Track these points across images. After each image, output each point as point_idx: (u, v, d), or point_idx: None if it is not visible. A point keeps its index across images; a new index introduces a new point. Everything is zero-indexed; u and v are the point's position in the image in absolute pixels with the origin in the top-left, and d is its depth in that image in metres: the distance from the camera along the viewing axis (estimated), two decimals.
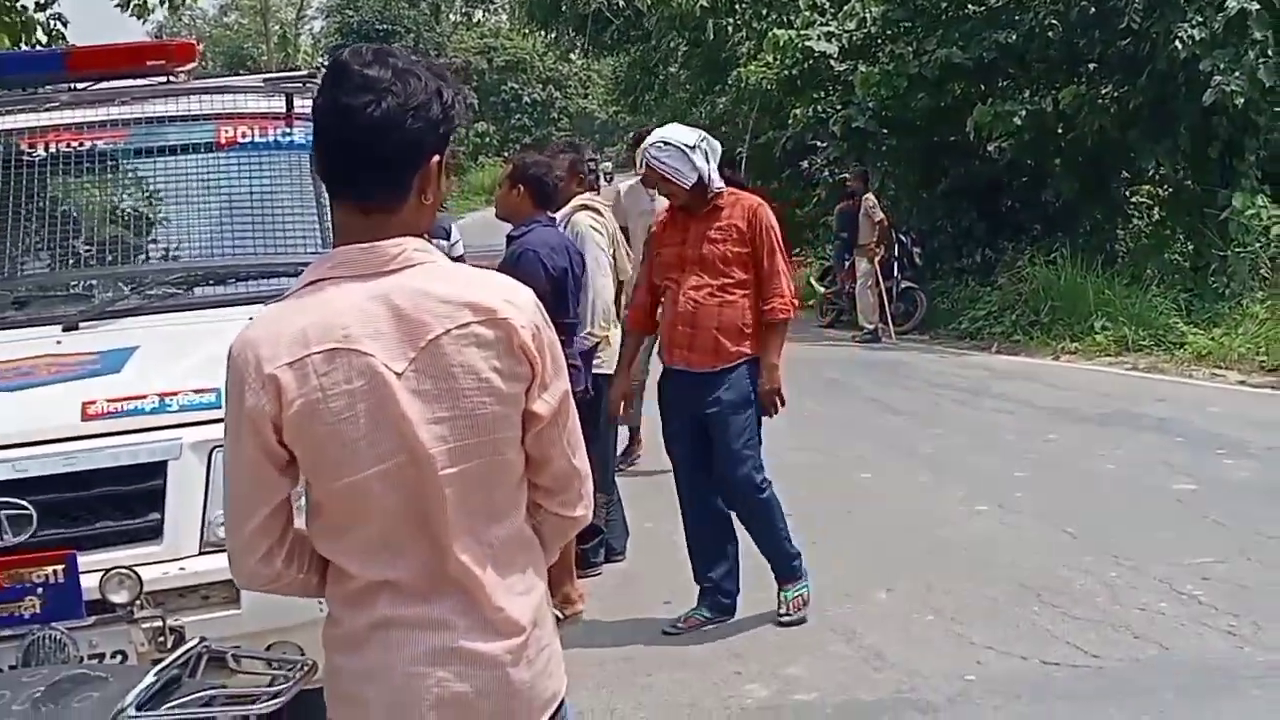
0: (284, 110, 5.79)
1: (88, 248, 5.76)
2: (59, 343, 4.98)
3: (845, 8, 19.95)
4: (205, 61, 60.78)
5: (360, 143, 2.42)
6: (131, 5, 12.49)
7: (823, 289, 19.38)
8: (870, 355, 15.79)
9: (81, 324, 5.17)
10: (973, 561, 7.21)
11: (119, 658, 4.30)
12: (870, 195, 17.80)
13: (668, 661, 6.13)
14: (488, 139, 59.92)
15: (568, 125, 70.96)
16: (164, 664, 2.60)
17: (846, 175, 19.72)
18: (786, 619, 6.46)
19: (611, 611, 6.89)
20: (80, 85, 5.98)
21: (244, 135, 5.83)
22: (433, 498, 2.44)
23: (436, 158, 2.50)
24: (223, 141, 5.79)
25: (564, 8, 31.12)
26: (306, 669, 2.68)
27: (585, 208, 7.27)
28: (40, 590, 4.15)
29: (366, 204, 2.46)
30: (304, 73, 6.40)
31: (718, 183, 6.32)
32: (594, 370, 7.10)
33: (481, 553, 2.50)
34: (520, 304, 2.54)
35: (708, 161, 6.26)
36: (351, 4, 59.06)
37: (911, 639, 6.16)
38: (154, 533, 4.34)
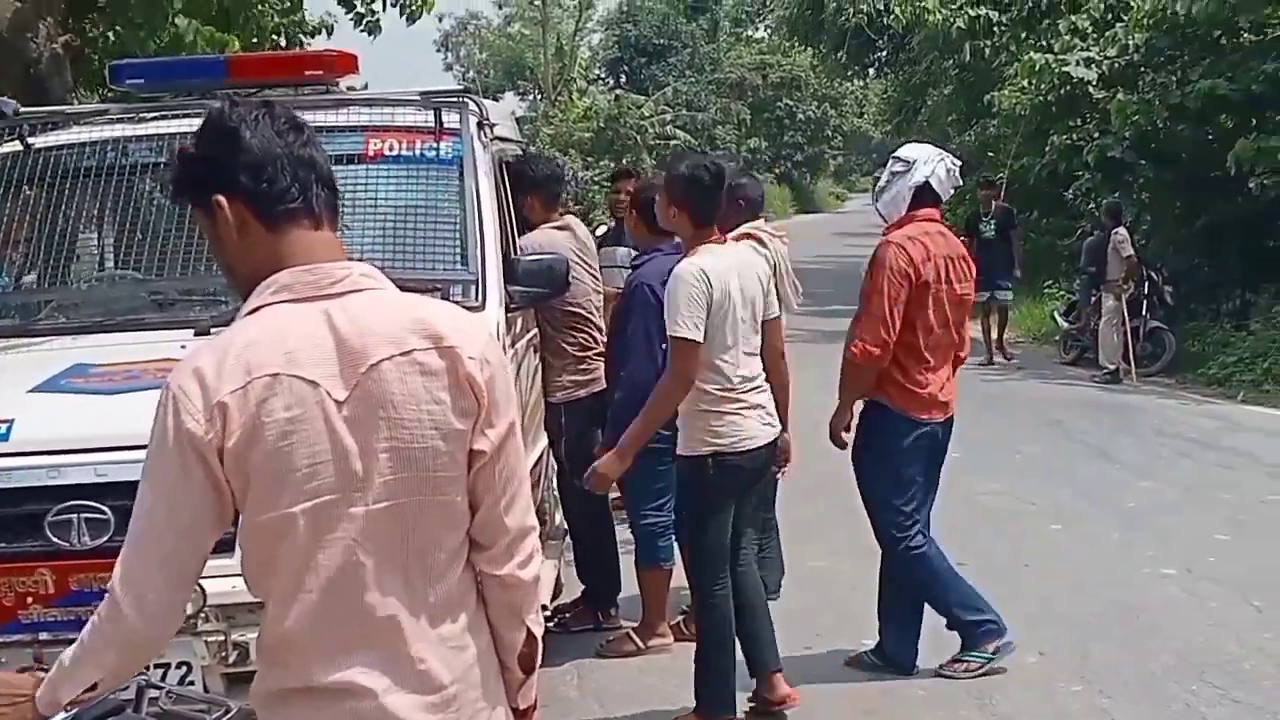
0: (433, 125, 5.78)
1: None
2: (183, 347, 5.04)
3: (1108, 34, 19.14)
4: (486, 70, 62.67)
5: (314, 159, 2.41)
6: (365, 22, 12.82)
7: (1066, 324, 18.63)
8: (1104, 397, 15.06)
9: (212, 329, 5.24)
10: (1141, 629, 6.75)
11: (183, 669, 4.33)
12: (1121, 229, 16.98)
13: (797, 711, 5.89)
14: (759, 155, 59.82)
15: (840, 144, 70.42)
16: (91, 701, 2.52)
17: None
18: (941, 671, 6.22)
19: None
20: (241, 93, 6.10)
21: (391, 148, 5.84)
22: (360, 540, 2.34)
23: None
24: (371, 154, 5.79)
25: (825, 24, 30.76)
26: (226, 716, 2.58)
27: (748, 236, 7.02)
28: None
29: (317, 217, 2.41)
30: (457, 89, 6.42)
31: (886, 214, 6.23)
32: None
33: (411, 601, 2.39)
34: (469, 333, 2.44)
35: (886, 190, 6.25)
36: (630, 18, 59.60)
37: (1050, 711, 5.81)
38: (226, 545, 4.34)
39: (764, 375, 5.66)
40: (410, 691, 2.38)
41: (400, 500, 2.36)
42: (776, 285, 6.98)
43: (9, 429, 4.42)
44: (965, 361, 6.44)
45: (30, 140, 5.84)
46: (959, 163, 6.36)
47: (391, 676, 2.37)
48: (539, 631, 2.60)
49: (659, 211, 5.96)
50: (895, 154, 6.28)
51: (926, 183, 6.08)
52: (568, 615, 7.00)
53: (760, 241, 6.98)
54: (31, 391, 4.65)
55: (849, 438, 6.29)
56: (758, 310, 5.64)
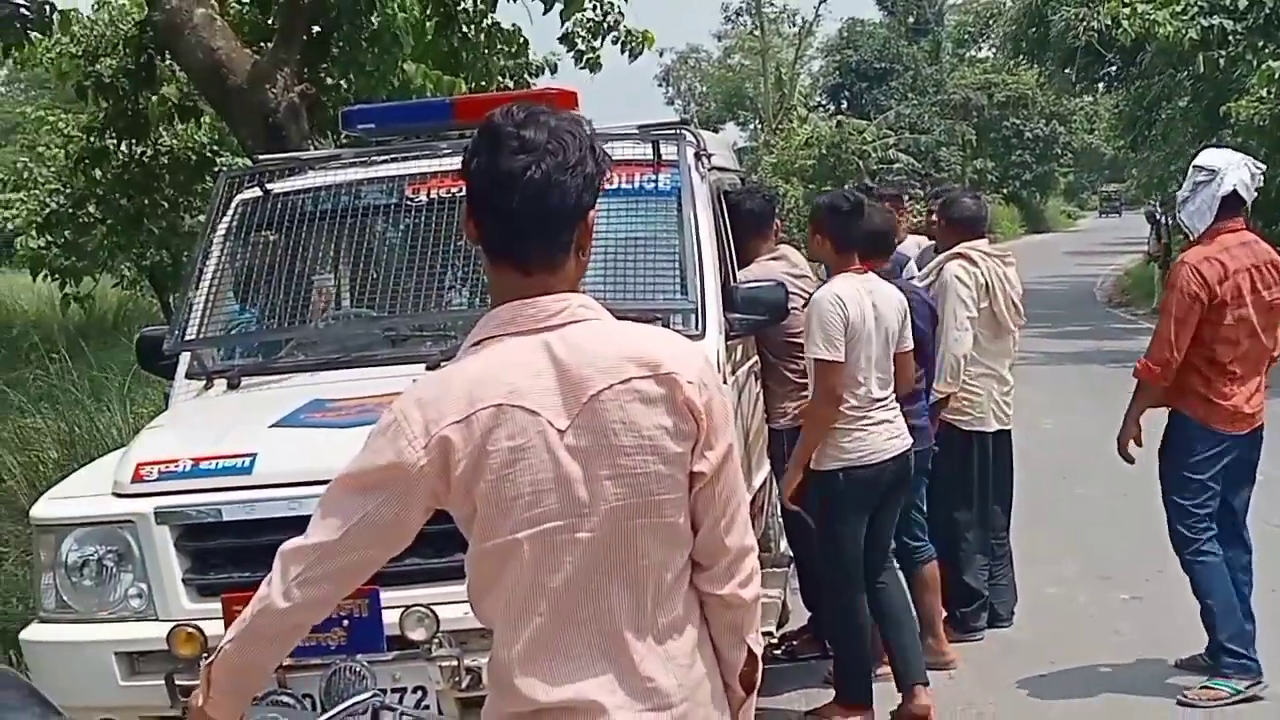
0: (651, 157, 5.85)
1: (455, 289, 6.04)
2: (414, 381, 5.20)
3: None
4: (706, 101, 63.22)
5: (521, 206, 2.39)
6: (585, 60, 13.03)
7: None
8: None
9: (443, 364, 5.38)
10: None
11: (419, 693, 4.46)
12: None
13: None
14: (987, 175, 58.98)
15: (1071, 162, 68.90)
16: (329, 715, 2.63)
17: None
18: (1185, 698, 6.07)
19: (984, 680, 6.59)
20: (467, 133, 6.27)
21: (611, 181, 5.92)
22: (587, 563, 2.40)
23: (591, 214, 2.47)
24: None
25: (1051, 41, 30.13)
26: None
27: (959, 256, 6.96)
28: (345, 622, 4.35)
29: (527, 265, 2.44)
30: (675, 120, 6.49)
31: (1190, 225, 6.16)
32: (966, 428, 6.84)
33: (639, 621, 2.44)
34: (685, 358, 2.48)
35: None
36: (850, 44, 59.51)
37: None
38: (459, 572, 4.45)
39: (894, 394, 5.96)
40: (641, 708, 2.42)
41: (625, 523, 2.40)
42: (991, 304, 6.94)
43: (252, 462, 4.63)
44: (1278, 361, 6.37)
45: (269, 186, 6.11)
46: (1262, 166, 6.28)
47: (622, 693, 2.41)
48: (760, 651, 2.62)
49: (809, 241, 6.25)
50: (1196, 163, 6.16)
51: (1234, 190, 5.97)
52: (794, 643, 6.97)
53: (971, 260, 6.93)
54: (273, 426, 4.86)
55: (1138, 452, 6.30)
56: (891, 337, 5.90)
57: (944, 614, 6.93)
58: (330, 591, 2.50)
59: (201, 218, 16.53)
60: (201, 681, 2.56)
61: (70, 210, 15.24)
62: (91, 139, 13.70)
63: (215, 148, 15.41)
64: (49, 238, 16.31)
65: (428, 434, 2.37)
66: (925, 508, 6.80)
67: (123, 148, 13.43)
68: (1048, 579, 7.93)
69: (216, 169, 14.36)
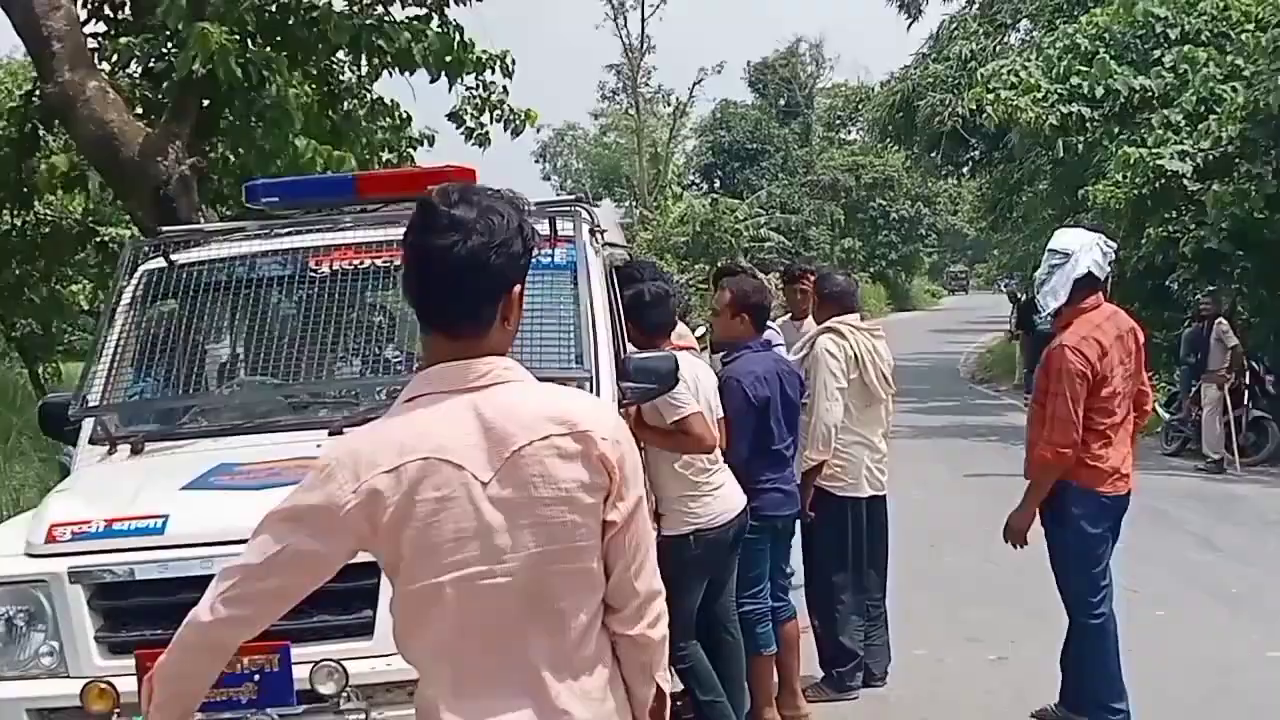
0: (548, 232, 6.09)
1: (357, 358, 6.21)
2: (318, 446, 5.36)
3: (1200, 126, 19.31)
4: (582, 178, 63.61)
5: (448, 280, 2.62)
6: (475, 136, 13.26)
7: (1168, 415, 18.55)
8: (1209, 487, 15.04)
9: (345, 429, 5.55)
10: (1247, 712, 6.81)
11: None
12: (1223, 319, 17.04)
13: None
14: (854, 255, 60.15)
15: (935, 242, 70.47)
16: None
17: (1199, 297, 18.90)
18: None
19: None
20: (370, 208, 6.44)
21: None
22: (508, 606, 2.59)
23: (518, 287, 2.69)
24: None
25: (918, 126, 31.06)
26: None
27: (830, 330, 7.32)
28: (256, 677, 4.47)
29: (452, 333, 2.65)
30: (570, 197, 6.74)
31: (1045, 305, 6.41)
32: (840, 494, 7.15)
33: (556, 659, 2.63)
34: (601, 417, 2.71)
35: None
36: (723, 124, 60.55)
37: None
38: (366, 629, 4.63)
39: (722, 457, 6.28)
40: None
41: (543, 569, 2.61)
42: (861, 375, 7.29)
43: (164, 523, 4.74)
44: (1150, 413, 6.68)
45: (173, 257, 6.24)
46: (1114, 244, 6.51)
47: None
48: (667, 689, 2.86)
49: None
50: (1050, 246, 6.38)
51: (1088, 271, 6.20)
52: (678, 704, 7.16)
53: (840, 334, 7.29)
54: (183, 489, 4.98)
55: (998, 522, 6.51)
56: (713, 408, 6.28)
57: (822, 674, 7.22)
58: (251, 613, 2.67)
59: (75, 288, 16.46)
60: (143, 697, 2.74)
61: None
62: None
63: (93, 219, 15.33)
64: None
65: (358, 480, 2.57)
66: (789, 568, 7.10)
67: (5, 216, 13.36)
68: (918, 640, 8.22)
69: (98, 239, 14.33)
